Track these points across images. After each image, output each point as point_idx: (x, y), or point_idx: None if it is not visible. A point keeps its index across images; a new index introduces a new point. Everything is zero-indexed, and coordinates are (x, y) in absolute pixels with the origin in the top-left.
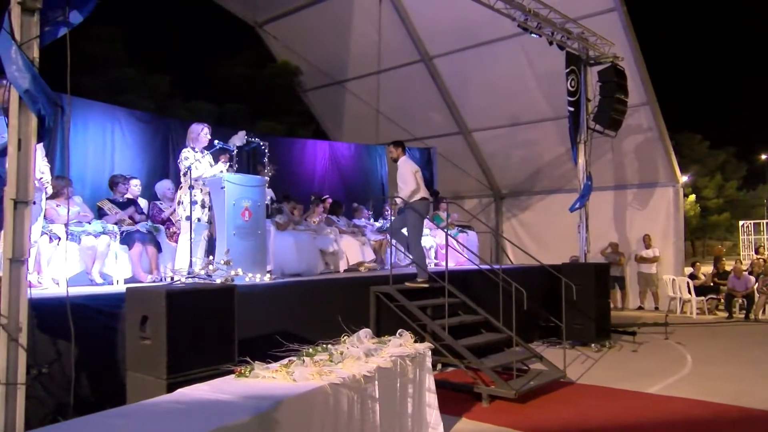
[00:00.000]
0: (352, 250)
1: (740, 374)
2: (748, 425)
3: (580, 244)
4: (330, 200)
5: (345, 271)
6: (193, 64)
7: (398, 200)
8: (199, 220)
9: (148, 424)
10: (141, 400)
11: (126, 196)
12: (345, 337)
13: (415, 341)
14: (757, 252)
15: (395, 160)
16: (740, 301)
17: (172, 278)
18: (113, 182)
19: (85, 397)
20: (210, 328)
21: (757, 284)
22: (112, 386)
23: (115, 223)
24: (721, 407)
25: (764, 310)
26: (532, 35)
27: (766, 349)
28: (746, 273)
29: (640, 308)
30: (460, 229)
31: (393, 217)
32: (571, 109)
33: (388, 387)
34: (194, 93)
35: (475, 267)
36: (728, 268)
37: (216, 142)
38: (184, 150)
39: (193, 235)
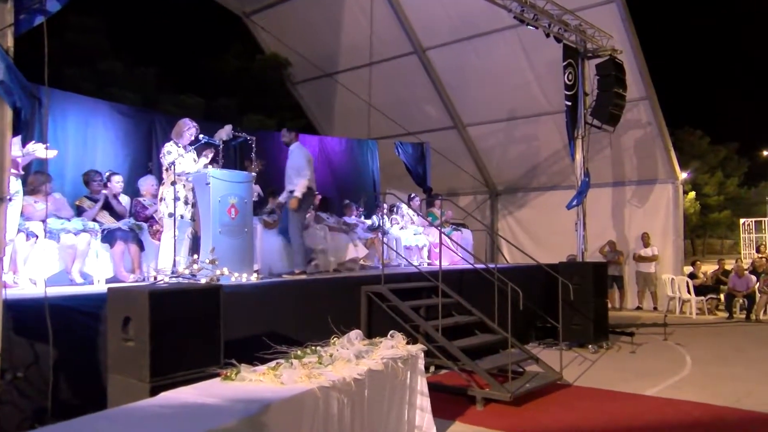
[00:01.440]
0: (343, 248)
1: (741, 376)
2: (750, 429)
3: (577, 243)
4: (319, 197)
5: (335, 270)
6: (180, 57)
7: (289, 193)
8: (182, 217)
9: (131, 428)
10: (123, 404)
11: (103, 192)
12: (335, 339)
13: (408, 343)
14: (758, 250)
15: (287, 144)
16: (741, 301)
17: (155, 278)
18: (88, 179)
19: (65, 401)
20: (195, 330)
21: (758, 284)
22: (92, 390)
23: (95, 219)
24: (722, 410)
25: (765, 310)
26: (529, 27)
27: (766, 350)
28: (747, 272)
29: (638, 308)
30: (454, 227)
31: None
32: (569, 103)
33: (379, 390)
34: (181, 86)
35: (470, 266)
36: (729, 267)
37: (201, 136)
38: (167, 144)
39: (176, 233)
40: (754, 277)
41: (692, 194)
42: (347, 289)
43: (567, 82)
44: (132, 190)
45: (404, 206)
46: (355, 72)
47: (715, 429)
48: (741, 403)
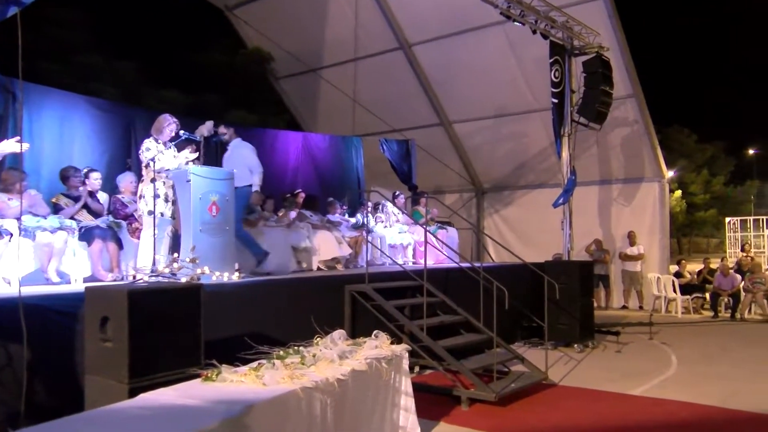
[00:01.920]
0: (327, 246)
1: (727, 375)
2: (736, 428)
3: (563, 241)
4: (303, 194)
5: (319, 269)
6: (161, 51)
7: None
8: (162, 214)
9: (109, 431)
10: (101, 405)
11: (81, 189)
12: (318, 339)
13: (392, 343)
14: (743, 249)
15: (227, 142)
16: (726, 300)
17: (134, 277)
18: (65, 175)
19: (39, 404)
20: (175, 330)
21: (743, 283)
22: (69, 392)
23: (72, 218)
24: (708, 409)
25: (750, 309)
26: (516, 23)
27: (752, 349)
28: (732, 271)
29: (624, 307)
30: (439, 225)
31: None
32: (555, 100)
33: (363, 391)
34: (162, 81)
35: (456, 265)
36: (714, 266)
37: (182, 132)
38: (146, 141)
39: (156, 231)
40: (739, 276)
41: (678, 193)
42: (331, 289)
43: (554, 79)
44: (110, 188)
45: (389, 204)
46: (339, 67)
47: (702, 429)
48: (727, 403)
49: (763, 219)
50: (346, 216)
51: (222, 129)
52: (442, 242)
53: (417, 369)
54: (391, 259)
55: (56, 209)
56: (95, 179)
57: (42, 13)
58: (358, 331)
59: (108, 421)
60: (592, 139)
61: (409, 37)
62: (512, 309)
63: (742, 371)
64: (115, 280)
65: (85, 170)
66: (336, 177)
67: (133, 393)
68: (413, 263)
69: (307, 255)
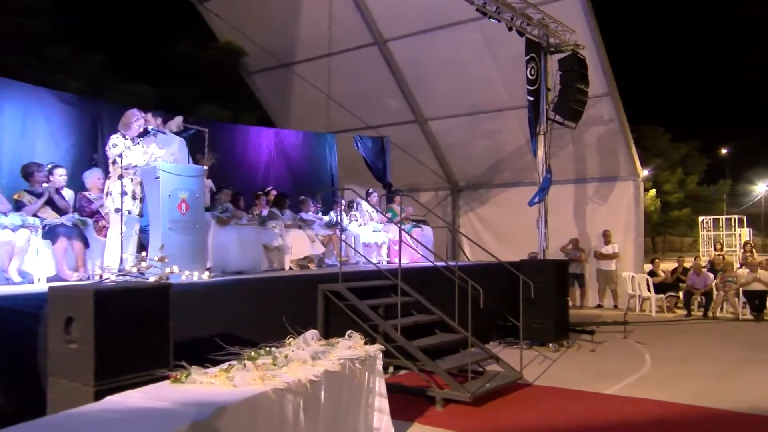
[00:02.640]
0: (299, 245)
1: (699, 373)
2: (708, 425)
3: (539, 240)
4: (274, 192)
5: (291, 268)
6: (130, 44)
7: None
8: (130, 212)
9: None
10: (64, 409)
11: (45, 185)
12: (290, 339)
13: (366, 343)
14: (715, 248)
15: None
16: (699, 298)
17: (101, 276)
18: (27, 171)
19: None
20: (143, 331)
21: (715, 281)
22: (30, 396)
23: (35, 215)
24: (681, 407)
25: (722, 307)
26: (491, 20)
27: (724, 347)
28: (705, 270)
29: (599, 306)
30: (414, 223)
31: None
32: (531, 98)
33: (336, 392)
34: (130, 74)
35: (430, 264)
36: (688, 265)
37: (150, 128)
38: (113, 136)
39: (123, 229)
40: (711, 275)
41: (653, 192)
42: (303, 288)
43: (529, 77)
44: (76, 184)
45: (363, 202)
46: (313, 63)
47: (675, 427)
48: (699, 401)
49: (734, 218)
50: (320, 214)
51: (149, 117)
52: (417, 241)
53: (391, 369)
54: (365, 258)
55: (18, 206)
56: (60, 175)
57: (3, 2)
58: (332, 331)
59: (71, 425)
60: (567, 138)
61: (384, 33)
62: (487, 308)
63: (715, 370)
64: (80, 280)
65: (50, 166)
66: (309, 174)
67: (99, 396)
68: (388, 262)
69: (279, 254)
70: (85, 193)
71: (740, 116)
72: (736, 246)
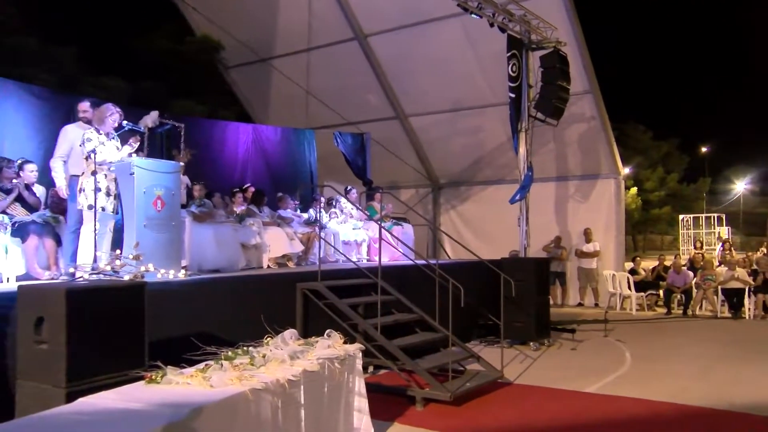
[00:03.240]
0: (278, 243)
1: (678, 371)
2: (685, 422)
3: (520, 238)
4: (252, 189)
5: (269, 266)
6: (103, 36)
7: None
8: (103, 209)
9: None
10: (34, 412)
11: (15, 181)
12: (268, 339)
13: (345, 342)
14: (695, 246)
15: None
16: (679, 296)
17: (73, 274)
18: None
19: None
20: (117, 331)
21: (695, 279)
22: None
23: (4, 212)
24: (660, 405)
25: (701, 305)
26: (473, 16)
27: (703, 345)
28: (685, 268)
29: (580, 304)
30: (395, 221)
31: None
32: (513, 95)
33: (315, 392)
34: (104, 68)
35: (411, 262)
36: (669, 263)
37: (125, 123)
38: (87, 131)
39: (97, 227)
40: (691, 273)
41: (634, 190)
42: (282, 287)
43: (511, 73)
44: (48, 180)
45: (343, 200)
46: (292, 57)
47: (653, 424)
48: (677, 398)
49: (714, 216)
50: (298, 211)
51: (84, 105)
52: (398, 239)
53: (371, 369)
54: (345, 256)
55: None
56: (30, 171)
57: None
58: (311, 330)
59: (40, 428)
60: (549, 135)
61: (364, 28)
62: (468, 307)
63: (693, 367)
64: (52, 279)
65: (20, 161)
66: (288, 171)
67: (70, 398)
68: (367, 260)
69: (257, 252)
70: (57, 190)
71: (719, 115)
72: (714, 244)
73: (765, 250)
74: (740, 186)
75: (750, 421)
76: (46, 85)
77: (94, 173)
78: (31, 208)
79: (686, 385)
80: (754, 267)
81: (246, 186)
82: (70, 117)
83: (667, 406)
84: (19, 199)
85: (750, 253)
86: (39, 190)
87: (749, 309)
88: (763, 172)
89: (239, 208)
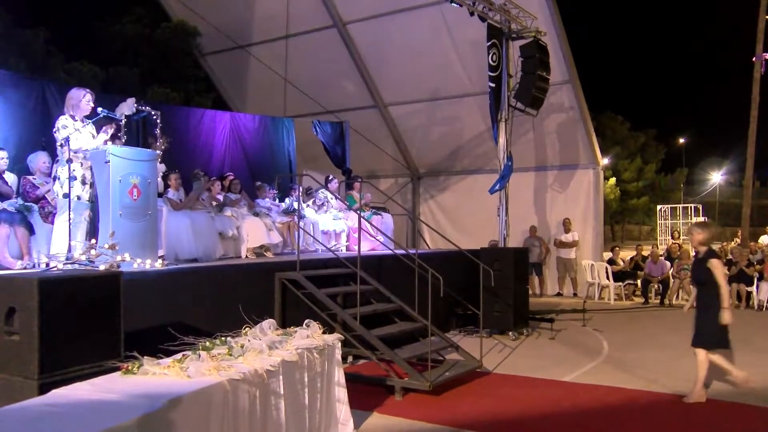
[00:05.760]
0: (255, 233)
1: (653, 360)
2: (658, 410)
3: (499, 228)
4: (232, 177)
5: (247, 257)
6: (75, 20)
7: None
8: (78, 198)
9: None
10: (5, 405)
11: None
12: (246, 329)
13: (324, 332)
14: (672, 237)
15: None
16: (656, 286)
17: (47, 264)
18: None
19: None
20: (92, 321)
21: (672, 269)
22: None
23: None
24: (634, 393)
25: (678, 295)
26: (453, 4)
27: (678, 334)
28: (662, 258)
29: (558, 294)
30: (374, 211)
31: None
32: (492, 85)
33: (293, 382)
34: (75, 53)
35: (390, 252)
36: (646, 253)
37: (100, 110)
38: (61, 118)
39: (72, 216)
40: (668, 263)
41: (612, 180)
42: (260, 276)
43: (491, 63)
44: (19, 168)
45: (322, 189)
46: (270, 44)
47: (628, 412)
48: (651, 387)
49: (691, 207)
50: (276, 201)
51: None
52: (377, 228)
53: (350, 359)
54: (324, 245)
55: None
56: (1, 159)
57: None
58: (289, 320)
59: (13, 421)
60: (528, 125)
61: (343, 15)
62: (447, 297)
63: (668, 356)
64: (25, 268)
65: None
66: (266, 160)
67: (43, 389)
68: (346, 250)
69: (234, 243)
70: (30, 178)
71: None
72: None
73: (739, 240)
74: (716, 177)
75: (721, 407)
76: (15, 70)
77: (69, 161)
78: (2, 197)
79: (661, 372)
80: (729, 257)
81: (226, 174)
82: (45, 104)
83: (643, 394)
84: None
85: (725, 243)
86: (10, 177)
87: None
88: (738, 163)
89: (218, 197)
